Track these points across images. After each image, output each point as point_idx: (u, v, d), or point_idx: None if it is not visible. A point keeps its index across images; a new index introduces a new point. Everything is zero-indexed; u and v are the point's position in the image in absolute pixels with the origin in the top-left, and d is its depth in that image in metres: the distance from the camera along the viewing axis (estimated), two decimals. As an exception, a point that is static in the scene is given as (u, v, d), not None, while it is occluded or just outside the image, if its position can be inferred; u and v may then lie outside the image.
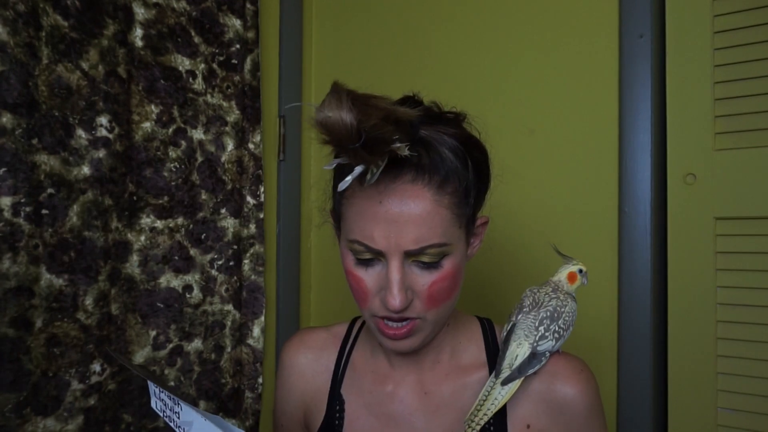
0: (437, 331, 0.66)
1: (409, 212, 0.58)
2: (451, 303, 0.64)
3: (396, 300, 0.58)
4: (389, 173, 0.58)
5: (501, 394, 0.62)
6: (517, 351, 0.64)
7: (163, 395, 0.60)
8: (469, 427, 0.61)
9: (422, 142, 0.59)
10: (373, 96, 0.51)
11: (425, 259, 0.59)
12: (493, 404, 0.62)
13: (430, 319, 0.62)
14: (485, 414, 0.61)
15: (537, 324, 0.64)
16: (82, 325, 0.90)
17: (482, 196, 0.67)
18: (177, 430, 0.58)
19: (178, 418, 0.58)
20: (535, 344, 0.63)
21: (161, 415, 0.61)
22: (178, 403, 0.57)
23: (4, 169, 0.81)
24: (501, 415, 0.65)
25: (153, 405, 0.63)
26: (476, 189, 0.64)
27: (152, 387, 0.62)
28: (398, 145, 0.53)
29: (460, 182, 0.60)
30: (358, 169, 0.54)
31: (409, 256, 0.59)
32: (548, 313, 0.65)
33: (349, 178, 0.56)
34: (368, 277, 0.62)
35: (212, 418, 0.52)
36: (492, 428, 0.65)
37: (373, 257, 0.61)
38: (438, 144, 0.60)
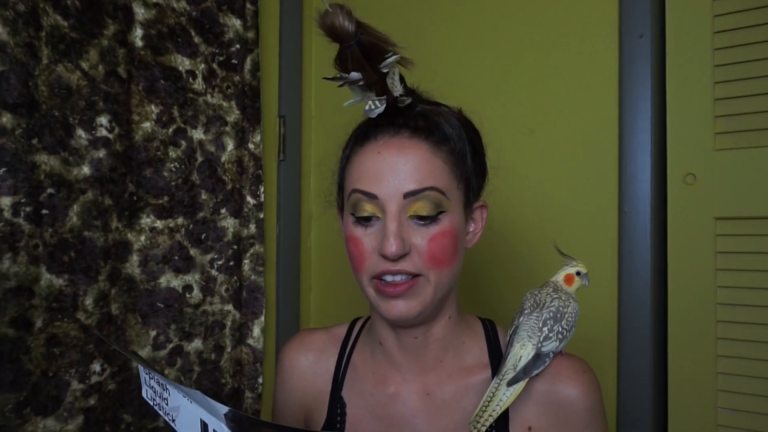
0: (437, 301, 0.65)
1: (406, 160, 0.61)
2: (452, 270, 0.64)
3: (392, 245, 0.59)
4: (387, 131, 0.63)
5: (506, 395, 0.62)
6: (521, 352, 0.63)
7: (152, 382, 0.60)
8: (474, 428, 0.61)
9: (420, 114, 0.64)
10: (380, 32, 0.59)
11: (423, 210, 0.61)
12: (498, 405, 0.61)
13: (432, 280, 0.62)
14: (490, 415, 0.61)
15: (540, 325, 0.64)
16: (82, 325, 0.90)
17: (479, 175, 0.69)
18: (166, 418, 0.58)
19: (167, 404, 0.58)
20: (539, 345, 0.63)
21: (151, 403, 0.61)
22: (167, 388, 0.57)
23: (4, 169, 0.81)
24: (503, 417, 0.65)
25: (144, 394, 0.63)
26: (473, 161, 0.66)
27: (143, 375, 0.62)
28: (390, 58, 0.58)
29: (456, 146, 0.64)
30: (354, 75, 0.59)
31: (408, 199, 0.60)
32: (551, 314, 0.64)
33: (354, 100, 0.62)
34: (366, 237, 0.63)
35: (193, 395, 0.52)
36: (493, 431, 0.64)
37: (371, 214, 0.62)
38: (434, 115, 0.65)
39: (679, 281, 0.96)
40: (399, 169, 0.61)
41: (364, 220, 0.63)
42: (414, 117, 0.64)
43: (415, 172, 0.61)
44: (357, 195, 0.63)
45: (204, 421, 0.52)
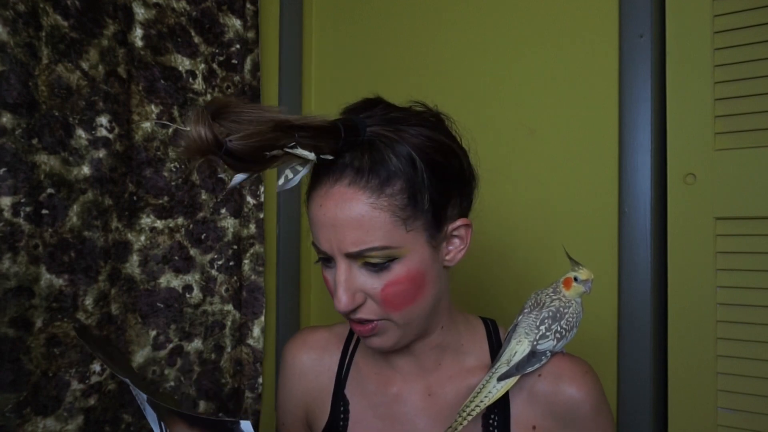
0: (416, 333, 0.65)
1: (345, 216, 0.57)
2: (418, 307, 0.62)
3: (341, 302, 0.59)
4: (331, 177, 0.58)
5: (496, 389, 0.62)
6: (517, 348, 0.64)
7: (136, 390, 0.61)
8: (460, 416, 0.61)
9: (367, 144, 0.58)
10: (252, 109, 0.49)
11: (371, 260, 0.58)
12: (486, 397, 0.62)
13: (399, 322, 0.61)
14: (477, 405, 0.61)
15: (538, 323, 0.64)
16: (82, 325, 0.90)
17: (448, 199, 0.62)
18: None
19: (145, 411, 0.60)
20: (535, 342, 0.63)
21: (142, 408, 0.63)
22: (146, 408, 0.58)
23: (4, 169, 0.81)
24: (504, 417, 0.65)
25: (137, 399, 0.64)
26: (435, 192, 0.60)
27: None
28: (276, 152, 0.51)
29: (406, 184, 0.58)
30: (239, 177, 0.54)
31: (353, 258, 0.59)
32: (550, 313, 0.65)
33: (233, 183, 0.55)
34: (331, 277, 0.63)
35: (137, 387, 0.52)
36: (495, 431, 0.65)
37: (329, 256, 0.61)
38: (384, 145, 0.58)
39: (679, 281, 0.96)
40: (338, 227, 0.57)
41: (326, 261, 0.62)
42: (360, 150, 0.57)
43: (353, 233, 0.57)
44: (315, 248, 0.63)
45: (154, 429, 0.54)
